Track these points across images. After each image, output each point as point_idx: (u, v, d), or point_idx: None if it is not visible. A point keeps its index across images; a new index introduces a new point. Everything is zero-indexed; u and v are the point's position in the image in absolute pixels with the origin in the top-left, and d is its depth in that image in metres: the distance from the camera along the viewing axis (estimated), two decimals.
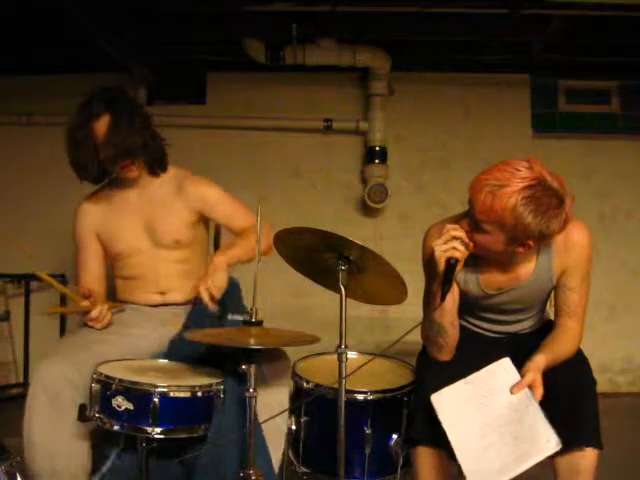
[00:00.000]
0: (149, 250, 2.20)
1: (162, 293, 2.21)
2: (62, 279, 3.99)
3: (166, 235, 2.19)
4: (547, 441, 1.50)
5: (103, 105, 2.06)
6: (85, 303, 2.06)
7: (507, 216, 1.62)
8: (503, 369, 1.71)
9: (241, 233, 2.21)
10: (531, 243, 1.70)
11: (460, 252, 1.71)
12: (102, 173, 2.17)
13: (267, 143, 4.07)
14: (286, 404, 1.96)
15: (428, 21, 3.22)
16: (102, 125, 2.05)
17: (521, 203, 1.61)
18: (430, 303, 1.85)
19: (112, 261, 2.27)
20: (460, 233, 1.71)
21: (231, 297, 2.01)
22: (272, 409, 1.84)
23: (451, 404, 1.68)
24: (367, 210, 4.05)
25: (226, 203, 2.26)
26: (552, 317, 2.01)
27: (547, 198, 1.62)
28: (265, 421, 1.79)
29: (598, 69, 3.89)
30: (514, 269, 1.86)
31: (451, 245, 1.70)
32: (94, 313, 2.02)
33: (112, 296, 2.28)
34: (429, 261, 1.79)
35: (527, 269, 1.86)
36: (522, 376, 1.68)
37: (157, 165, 2.23)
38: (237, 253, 2.09)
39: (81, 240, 2.26)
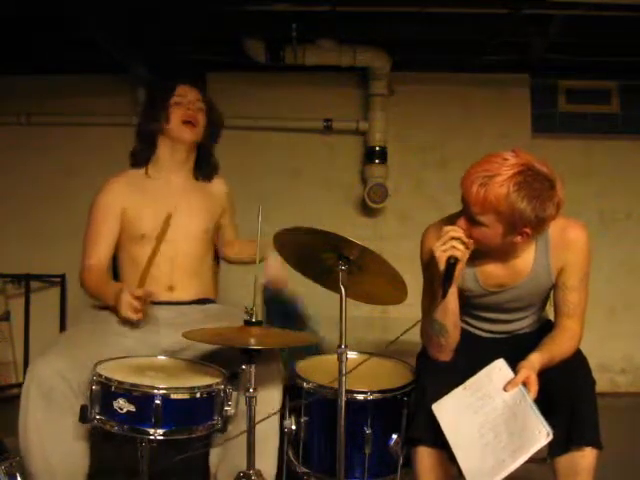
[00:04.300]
0: (171, 238, 2.17)
1: (171, 288, 2.17)
2: (62, 279, 4.01)
3: (196, 224, 2.23)
4: (538, 432, 1.50)
5: (190, 81, 2.31)
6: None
7: (502, 204, 1.64)
8: (498, 370, 1.71)
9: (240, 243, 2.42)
10: (529, 231, 1.71)
11: (460, 251, 1.71)
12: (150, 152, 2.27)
13: (267, 143, 4.07)
14: (278, 405, 1.96)
15: (428, 21, 3.21)
16: (195, 93, 2.30)
17: (514, 190, 1.63)
18: (431, 303, 1.85)
19: (131, 246, 2.19)
20: (459, 233, 1.72)
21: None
22: (265, 410, 1.85)
23: (451, 411, 1.68)
24: (367, 210, 4.05)
25: (233, 216, 2.45)
26: (552, 317, 2.01)
27: (538, 182, 1.65)
28: (259, 421, 1.78)
29: (598, 69, 3.89)
30: (512, 265, 1.86)
31: (450, 245, 1.71)
32: (139, 292, 1.95)
33: None
34: (430, 263, 1.79)
35: (525, 265, 1.86)
36: (515, 374, 1.68)
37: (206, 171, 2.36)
38: None
39: (102, 213, 2.17)
